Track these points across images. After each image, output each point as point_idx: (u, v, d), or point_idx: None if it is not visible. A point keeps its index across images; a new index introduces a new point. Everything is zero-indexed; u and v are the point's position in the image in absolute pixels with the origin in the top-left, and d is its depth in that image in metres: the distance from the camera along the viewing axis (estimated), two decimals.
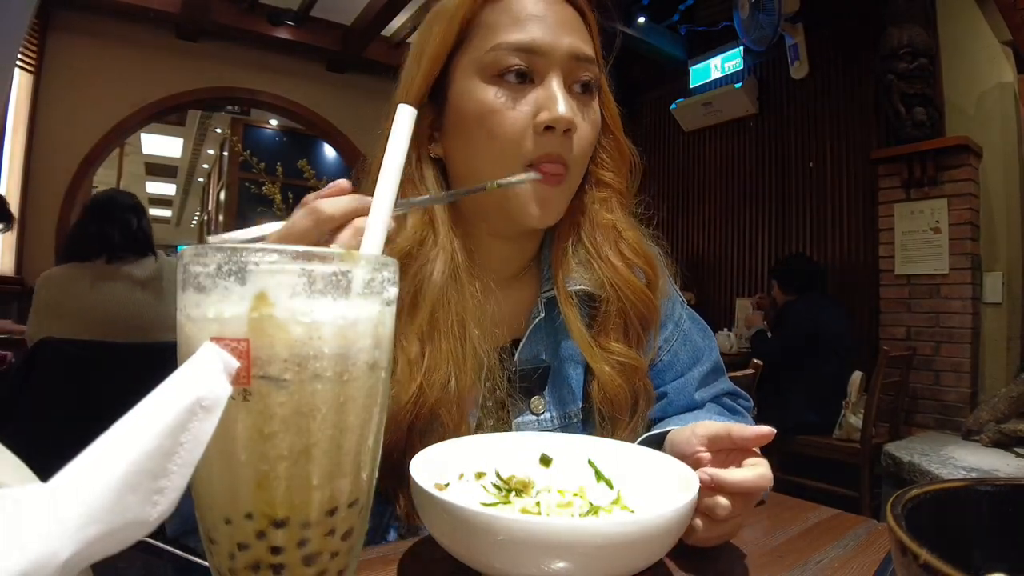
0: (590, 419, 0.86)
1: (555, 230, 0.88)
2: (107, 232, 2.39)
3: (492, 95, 0.75)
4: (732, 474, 0.61)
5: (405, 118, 0.51)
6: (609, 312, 0.85)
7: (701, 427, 0.68)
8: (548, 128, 0.74)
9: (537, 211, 0.78)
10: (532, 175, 0.74)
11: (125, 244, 2.43)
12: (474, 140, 0.77)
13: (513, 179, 0.72)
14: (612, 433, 0.84)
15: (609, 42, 0.88)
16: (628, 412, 0.85)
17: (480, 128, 0.76)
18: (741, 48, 5.29)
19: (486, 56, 0.75)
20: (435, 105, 0.81)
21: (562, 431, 0.85)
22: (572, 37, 0.76)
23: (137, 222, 2.47)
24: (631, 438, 0.79)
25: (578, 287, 0.85)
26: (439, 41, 0.78)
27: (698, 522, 0.61)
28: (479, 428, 0.80)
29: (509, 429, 0.83)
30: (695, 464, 0.63)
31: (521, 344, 0.85)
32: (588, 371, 0.86)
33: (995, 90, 3.87)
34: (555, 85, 0.75)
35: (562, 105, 0.74)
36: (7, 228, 3.53)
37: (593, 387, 0.85)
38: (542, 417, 0.85)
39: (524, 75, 0.75)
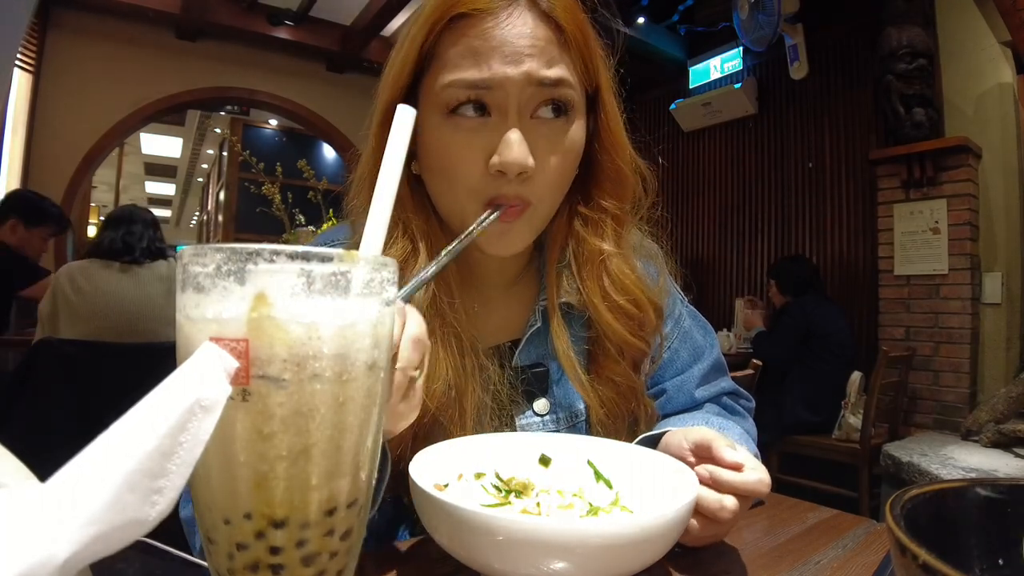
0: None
1: (548, 240, 0.86)
2: (128, 241, 2.70)
3: (448, 134, 0.72)
4: (731, 475, 0.61)
5: (405, 118, 0.51)
6: (598, 335, 0.84)
7: (693, 432, 0.68)
8: (501, 171, 0.71)
9: (496, 243, 0.76)
10: (494, 214, 0.70)
11: (143, 252, 2.72)
12: (435, 174, 0.76)
13: (483, 222, 0.69)
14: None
15: (613, 48, 0.82)
16: (625, 431, 0.85)
17: (438, 165, 0.74)
18: (740, 48, 5.29)
19: (441, 93, 0.71)
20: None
21: (568, 431, 0.84)
22: (531, 61, 0.70)
23: (153, 234, 2.80)
24: None
25: (568, 303, 0.84)
26: (395, 73, 0.75)
27: (694, 523, 0.61)
28: (482, 430, 0.78)
29: (513, 430, 0.82)
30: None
31: (519, 349, 0.85)
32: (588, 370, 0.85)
33: (994, 91, 3.87)
34: (509, 125, 0.71)
35: (513, 149, 0.69)
36: (61, 231, 3.63)
37: (588, 405, 0.84)
38: (546, 418, 0.84)
39: (480, 108, 0.71)
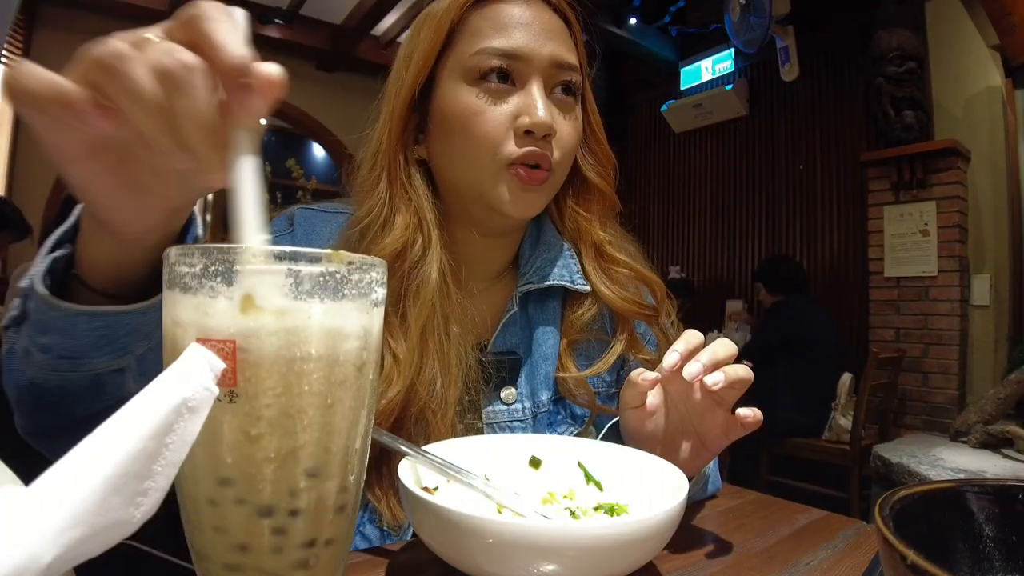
0: (561, 411, 0.88)
1: (538, 232, 0.90)
2: None
3: (474, 98, 0.76)
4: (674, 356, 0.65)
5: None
6: (583, 315, 0.88)
7: (631, 376, 0.69)
8: (528, 132, 0.75)
9: (514, 206, 0.79)
10: None
11: None
12: (455, 142, 0.78)
13: None
14: (584, 429, 0.87)
15: (593, 55, 0.89)
16: (590, 423, 0.87)
17: (461, 130, 0.77)
18: (732, 50, 5.30)
19: (470, 60, 0.76)
20: (421, 108, 0.82)
21: (533, 420, 0.86)
22: (555, 44, 0.78)
23: None
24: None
25: (558, 282, 0.86)
26: (427, 45, 0.79)
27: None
28: (455, 421, 0.80)
29: (479, 420, 0.84)
30: (650, 384, 0.67)
31: (494, 336, 0.86)
32: (559, 364, 0.87)
33: (983, 94, 3.90)
34: (535, 90, 0.76)
35: (542, 110, 0.75)
36: (20, 238, 3.52)
37: (561, 381, 0.87)
38: (513, 407, 0.85)
39: (505, 78, 0.77)
